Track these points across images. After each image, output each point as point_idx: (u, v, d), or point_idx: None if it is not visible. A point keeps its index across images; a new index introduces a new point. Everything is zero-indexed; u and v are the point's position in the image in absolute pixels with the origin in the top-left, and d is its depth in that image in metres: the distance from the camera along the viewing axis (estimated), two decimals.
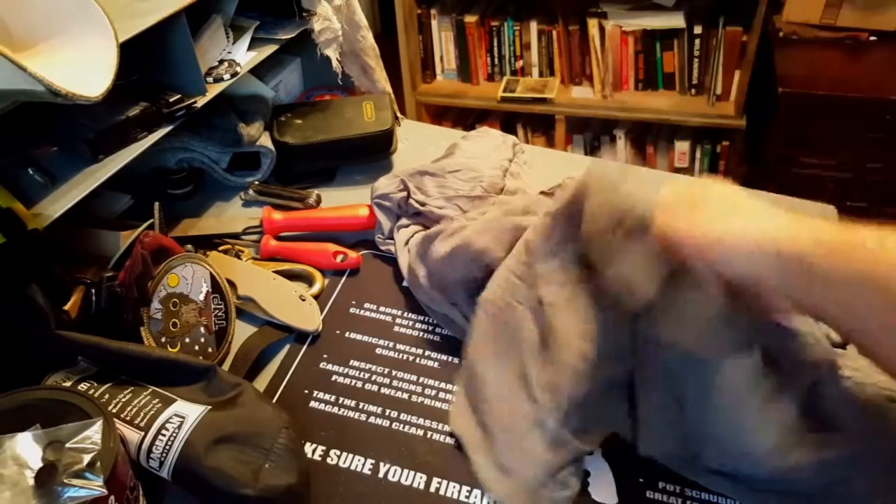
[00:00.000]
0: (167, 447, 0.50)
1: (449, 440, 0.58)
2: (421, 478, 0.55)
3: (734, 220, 0.46)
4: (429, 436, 0.59)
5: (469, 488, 0.55)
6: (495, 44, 2.05)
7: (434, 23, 2.06)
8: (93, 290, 0.61)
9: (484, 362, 0.60)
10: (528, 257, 0.61)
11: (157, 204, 0.70)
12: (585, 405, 0.55)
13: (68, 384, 0.54)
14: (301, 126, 0.87)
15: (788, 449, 0.49)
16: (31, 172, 0.64)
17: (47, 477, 0.42)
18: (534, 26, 1.98)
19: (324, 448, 0.58)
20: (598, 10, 1.90)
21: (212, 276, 0.67)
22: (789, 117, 1.65)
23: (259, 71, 0.88)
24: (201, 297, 0.66)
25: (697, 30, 1.84)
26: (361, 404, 0.61)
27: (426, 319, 0.69)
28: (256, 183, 0.85)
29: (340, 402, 0.62)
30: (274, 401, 0.61)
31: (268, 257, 0.76)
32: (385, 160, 0.90)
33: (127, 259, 0.62)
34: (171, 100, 0.71)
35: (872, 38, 1.72)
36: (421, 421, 0.60)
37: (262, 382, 0.63)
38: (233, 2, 0.80)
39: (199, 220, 0.81)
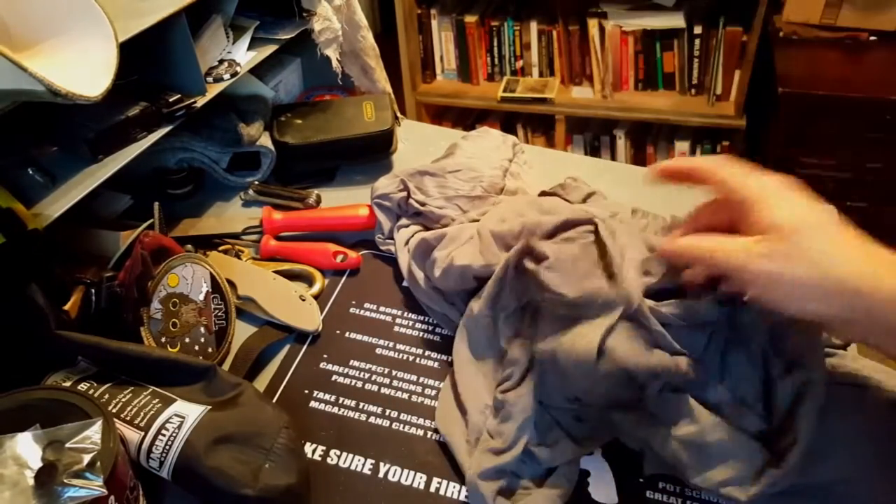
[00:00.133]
0: (167, 447, 0.50)
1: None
2: (421, 478, 0.55)
3: (823, 260, 0.42)
4: (429, 436, 0.59)
5: None
6: (495, 44, 2.05)
7: (434, 23, 2.06)
8: (93, 290, 0.61)
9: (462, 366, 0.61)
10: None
11: (157, 204, 0.70)
12: (587, 417, 0.56)
13: (68, 384, 0.54)
14: (301, 126, 0.87)
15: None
16: (31, 172, 0.64)
17: (47, 477, 0.42)
18: (534, 26, 1.98)
19: (324, 448, 0.58)
20: (598, 10, 1.90)
21: (212, 276, 0.67)
22: (789, 117, 1.65)
23: (259, 71, 0.88)
24: (201, 297, 0.66)
25: (697, 30, 1.84)
26: (361, 404, 0.61)
27: (426, 319, 0.69)
28: (256, 183, 0.85)
29: (340, 402, 0.62)
30: (274, 401, 0.61)
31: (268, 257, 0.76)
32: (385, 160, 0.90)
33: (127, 259, 0.62)
34: (170, 100, 0.71)
35: (872, 38, 1.72)
36: (421, 421, 0.60)
37: (262, 382, 0.63)
38: (233, 2, 0.80)
39: (199, 220, 0.81)
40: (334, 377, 0.64)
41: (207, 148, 0.82)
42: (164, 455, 0.50)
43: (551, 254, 0.56)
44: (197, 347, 0.64)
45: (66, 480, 0.42)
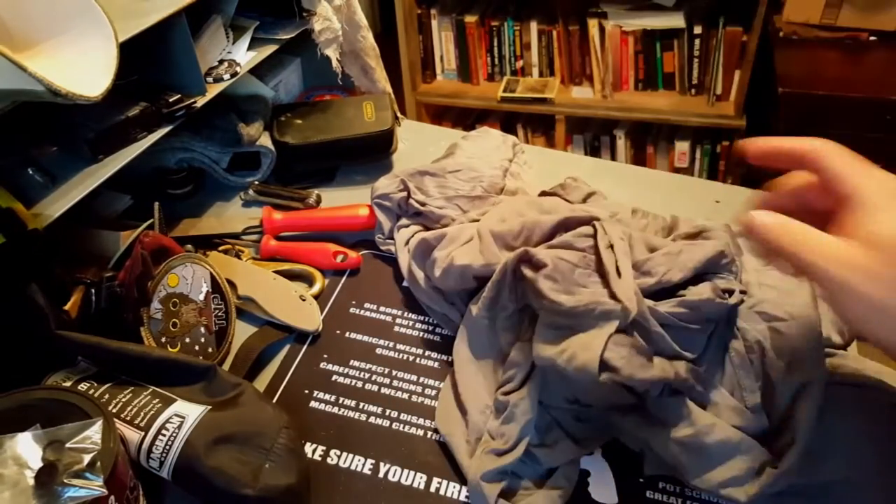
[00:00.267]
0: (167, 447, 0.50)
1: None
2: (421, 478, 0.55)
3: None
4: (429, 436, 0.59)
5: None
6: (495, 44, 2.05)
7: (434, 23, 2.06)
8: (93, 290, 0.61)
9: (463, 366, 0.61)
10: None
11: (157, 204, 0.70)
12: (587, 418, 0.56)
13: (68, 384, 0.54)
14: (301, 126, 0.87)
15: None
16: (31, 172, 0.64)
17: (47, 477, 0.42)
18: (534, 26, 1.98)
19: (324, 448, 0.58)
20: (598, 10, 1.90)
21: (212, 276, 0.67)
22: (789, 117, 1.65)
23: (259, 71, 0.88)
24: (201, 297, 0.66)
25: (697, 30, 1.84)
26: (361, 404, 0.61)
27: (426, 319, 0.69)
28: (256, 183, 0.85)
29: (340, 402, 0.62)
30: (274, 401, 0.61)
31: (268, 257, 0.76)
32: (385, 160, 0.90)
33: (127, 259, 0.62)
34: (170, 100, 0.71)
35: (872, 38, 1.72)
36: (421, 421, 0.60)
37: (262, 382, 0.63)
38: (233, 2, 0.80)
39: (199, 220, 0.81)
40: (334, 377, 0.64)
41: (207, 148, 0.82)
42: (164, 455, 0.50)
43: (549, 262, 0.56)
44: (197, 347, 0.64)
45: (66, 480, 0.42)
